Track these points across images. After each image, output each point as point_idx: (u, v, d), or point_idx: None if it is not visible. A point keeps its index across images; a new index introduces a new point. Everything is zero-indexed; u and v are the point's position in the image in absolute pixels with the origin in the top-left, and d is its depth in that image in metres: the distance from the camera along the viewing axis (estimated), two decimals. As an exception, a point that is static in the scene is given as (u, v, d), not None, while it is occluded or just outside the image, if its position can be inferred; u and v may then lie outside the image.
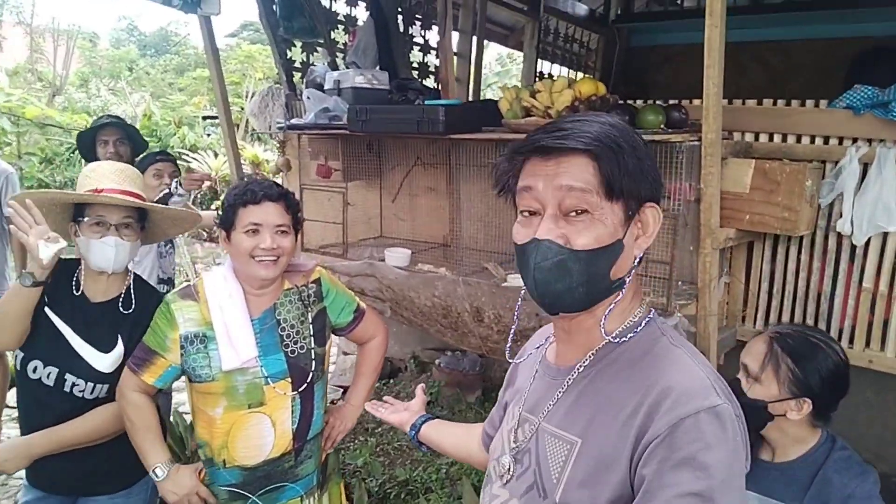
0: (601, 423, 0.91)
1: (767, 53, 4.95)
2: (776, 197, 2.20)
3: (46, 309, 1.87)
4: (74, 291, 1.91)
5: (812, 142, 2.43)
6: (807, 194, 2.21)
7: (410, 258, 2.95)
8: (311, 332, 1.88)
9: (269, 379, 1.79)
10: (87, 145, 3.41)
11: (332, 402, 2.87)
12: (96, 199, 1.81)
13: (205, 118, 13.08)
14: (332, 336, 2.01)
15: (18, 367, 1.88)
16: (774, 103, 2.48)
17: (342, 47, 4.36)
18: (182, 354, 1.78)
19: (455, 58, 5.32)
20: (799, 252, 2.51)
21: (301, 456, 1.86)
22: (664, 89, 5.17)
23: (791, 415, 1.55)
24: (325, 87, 3.27)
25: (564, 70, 6.76)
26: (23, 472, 1.94)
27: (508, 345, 1.16)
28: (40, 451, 1.83)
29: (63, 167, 9.81)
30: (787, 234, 2.38)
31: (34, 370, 1.85)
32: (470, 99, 5.16)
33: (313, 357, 1.87)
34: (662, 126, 2.19)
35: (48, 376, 1.85)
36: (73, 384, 1.85)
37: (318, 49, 4.33)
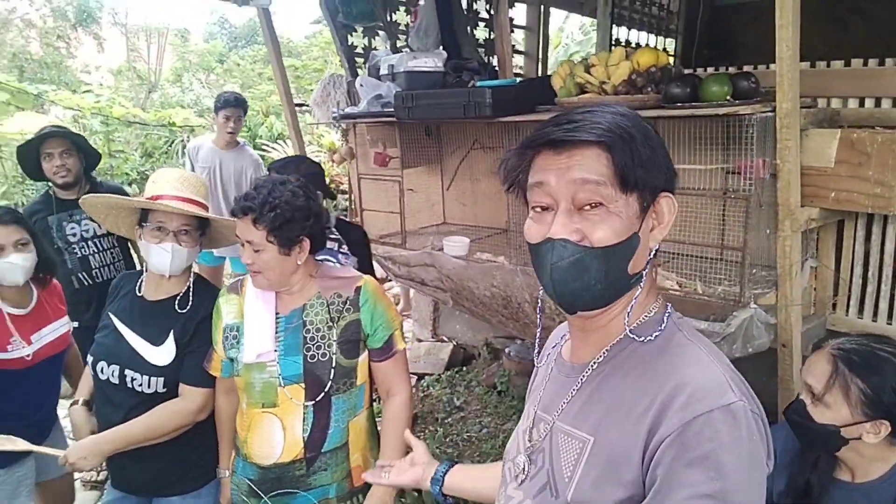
0: (613, 421, 0.88)
1: (868, 4, 4.44)
2: (866, 171, 1.94)
3: (110, 313, 1.98)
4: (136, 293, 2.00)
5: (911, 105, 2.13)
6: (903, 166, 1.93)
7: (470, 246, 2.86)
8: (337, 341, 1.80)
9: (283, 380, 1.77)
10: (31, 160, 3.09)
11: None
12: (154, 206, 1.89)
13: (297, 105, 13.35)
14: (402, 326, 1.95)
15: (91, 372, 1.99)
16: (865, 63, 2.19)
17: (404, 29, 4.27)
18: (224, 347, 1.83)
19: (523, 31, 5.13)
20: (898, 231, 2.22)
21: (314, 466, 1.80)
22: (753, 51, 4.77)
23: (868, 438, 1.37)
24: (381, 72, 3.20)
25: (643, 36, 6.39)
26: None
27: (536, 350, 1.15)
28: (110, 448, 1.89)
29: (161, 160, 10.39)
30: (881, 213, 2.10)
31: (101, 370, 1.94)
32: (541, 74, 4.97)
33: (333, 367, 1.78)
34: (729, 97, 1.97)
35: (113, 374, 1.92)
36: (133, 379, 1.92)
37: (380, 33, 4.26)
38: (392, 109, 2.85)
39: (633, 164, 0.85)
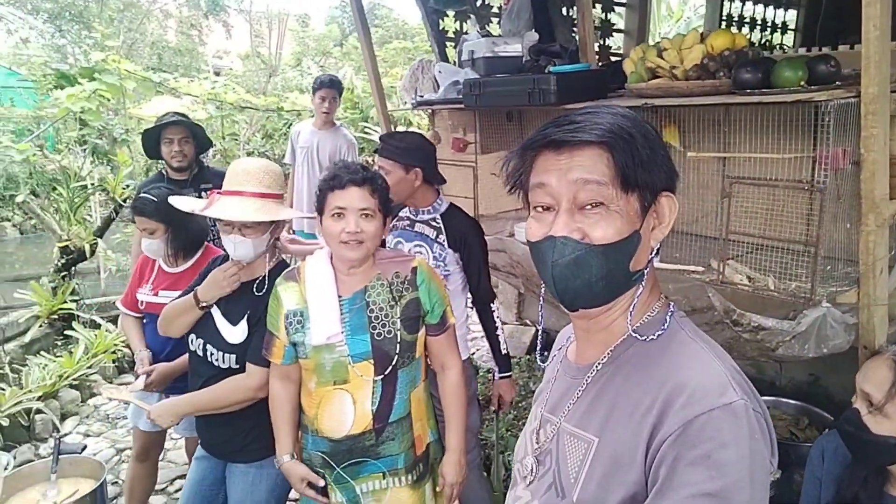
0: (617, 422, 0.89)
1: None
2: (961, 161, 1.76)
3: None
4: None
5: None
6: None
7: (542, 232, 2.84)
8: (400, 318, 1.90)
9: (352, 358, 1.86)
10: (152, 144, 3.44)
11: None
12: (206, 213, 2.04)
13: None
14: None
15: (186, 340, 2.22)
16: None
17: (497, 12, 4.25)
18: (287, 333, 1.92)
19: (622, 8, 4.95)
20: None
21: (382, 436, 1.91)
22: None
23: None
24: (462, 58, 3.23)
25: (759, 9, 5.97)
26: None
27: (538, 348, 1.23)
28: (182, 411, 2.13)
29: (281, 141, 10.97)
30: (981, 207, 1.89)
31: (192, 341, 2.17)
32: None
33: (399, 342, 1.89)
34: (803, 83, 1.84)
35: (199, 347, 2.14)
36: (211, 353, 2.12)
37: (471, 17, 4.26)
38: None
39: (634, 163, 0.86)
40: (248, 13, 17.31)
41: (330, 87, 4.73)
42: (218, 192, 2.07)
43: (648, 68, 2.22)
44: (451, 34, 4.18)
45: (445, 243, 2.48)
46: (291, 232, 5.28)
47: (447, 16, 4.24)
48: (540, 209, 0.92)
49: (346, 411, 1.89)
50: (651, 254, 0.92)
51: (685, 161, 2.15)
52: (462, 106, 3.03)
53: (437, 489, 2.04)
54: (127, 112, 7.16)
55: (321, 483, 1.95)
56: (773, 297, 2.04)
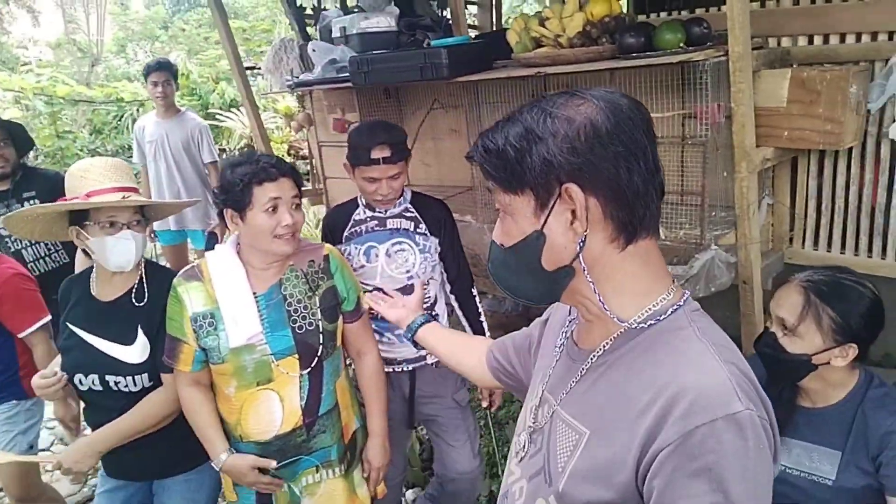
0: (611, 418, 0.87)
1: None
2: (816, 108, 1.99)
3: (67, 323, 1.93)
4: (88, 298, 1.94)
5: (858, 40, 2.18)
6: (852, 102, 1.99)
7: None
8: (320, 308, 1.85)
9: (275, 356, 1.79)
10: None
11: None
12: (112, 204, 1.81)
13: (248, 68, 12.93)
14: None
15: (69, 384, 1.95)
16: (813, 1, 2.22)
17: (354, -14, 4.15)
18: (196, 337, 1.80)
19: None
20: (848, 165, 2.29)
21: (313, 430, 1.86)
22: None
23: (836, 362, 1.46)
24: (333, 35, 3.13)
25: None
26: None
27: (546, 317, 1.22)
28: (105, 447, 1.90)
29: (112, 136, 10.04)
30: (832, 149, 2.17)
31: (80, 382, 1.92)
32: (495, 26, 4.89)
33: (321, 332, 1.84)
34: (682, 45, 1.99)
35: (94, 383, 1.91)
36: (116, 382, 1.90)
37: (329, -8, 4.14)
38: (348, 74, 2.81)
39: (506, 170, 0.87)
40: (58, -3, 15.65)
41: (159, 69, 4.41)
42: (87, 195, 1.81)
43: (533, 38, 2.28)
44: (308, 11, 4.03)
45: (427, 231, 2.26)
46: (152, 236, 4.90)
47: (303, -9, 4.09)
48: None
49: (273, 411, 1.81)
50: (578, 249, 0.86)
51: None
52: (341, 85, 2.96)
53: (364, 475, 2.03)
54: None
55: (273, 464, 1.83)
56: (665, 246, 2.21)
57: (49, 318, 2.36)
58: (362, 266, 2.23)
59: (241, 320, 1.76)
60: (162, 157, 4.53)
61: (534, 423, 1.02)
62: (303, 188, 1.85)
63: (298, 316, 1.83)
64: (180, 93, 10.89)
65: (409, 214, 2.26)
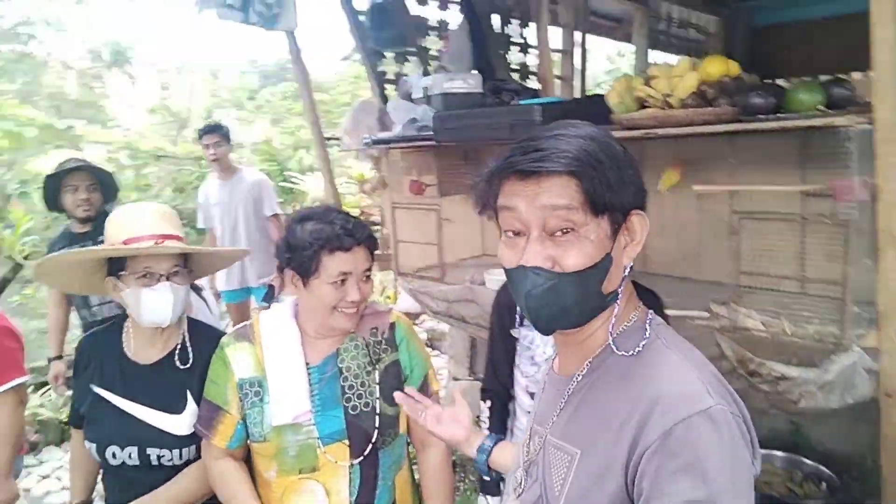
0: (598, 434, 0.89)
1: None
2: None
3: (97, 389, 1.70)
4: (121, 358, 1.73)
5: None
6: None
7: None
8: (379, 386, 1.59)
9: (321, 441, 1.53)
10: (53, 193, 3.02)
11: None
12: (152, 251, 1.61)
13: (326, 139, 13.38)
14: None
15: (97, 457, 1.72)
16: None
17: (436, 54, 4.11)
18: (241, 406, 1.56)
19: (558, 55, 4.93)
20: None
21: None
22: (798, 70, 4.46)
23: None
24: (413, 95, 3.00)
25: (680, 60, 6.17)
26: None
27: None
28: None
29: (193, 195, 10.36)
30: None
31: (113, 455, 1.68)
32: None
33: (378, 415, 1.57)
34: (820, 107, 1.71)
35: (130, 456, 1.67)
36: (159, 456, 1.67)
37: (410, 59, 4.10)
38: (428, 133, 2.64)
39: (602, 188, 0.85)
40: (157, 66, 16.71)
41: (210, 132, 4.52)
42: (129, 239, 1.61)
43: (637, 98, 2.05)
44: (390, 76, 3.99)
45: None
46: (218, 299, 4.83)
47: (385, 57, 4.07)
48: (511, 234, 0.91)
49: None
50: (624, 272, 0.92)
51: (687, 199, 1.98)
52: (419, 144, 2.79)
53: None
54: (23, 165, 6.52)
55: None
56: (791, 343, 1.87)
57: (25, 379, 2.03)
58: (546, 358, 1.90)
59: (288, 394, 1.52)
60: (228, 218, 4.56)
61: (527, 455, 1.03)
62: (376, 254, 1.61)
63: (353, 394, 1.56)
64: (260, 157, 11.28)
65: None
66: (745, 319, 1.88)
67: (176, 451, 1.66)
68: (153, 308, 1.62)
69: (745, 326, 1.87)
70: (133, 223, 1.64)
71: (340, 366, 1.58)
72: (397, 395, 1.39)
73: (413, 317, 5.16)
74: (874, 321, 1.85)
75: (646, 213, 0.91)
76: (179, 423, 1.67)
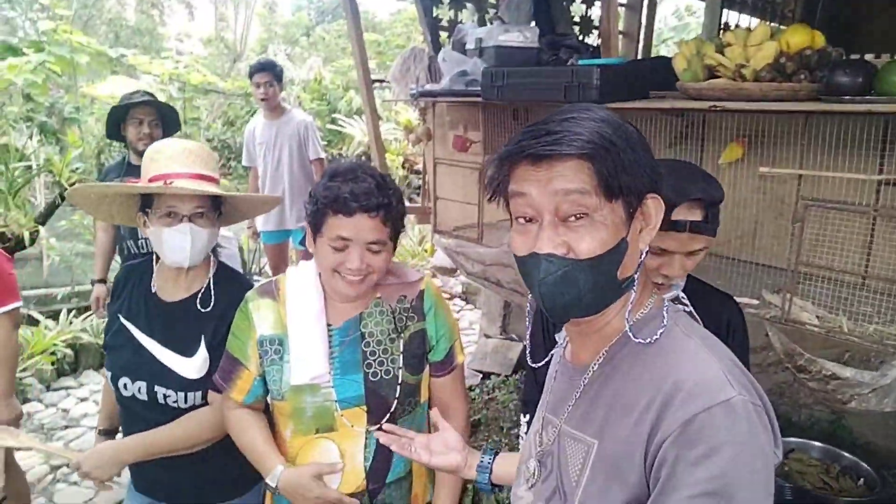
0: (615, 423, 0.88)
1: None
2: None
3: (123, 319, 1.71)
4: (148, 292, 1.73)
5: None
6: None
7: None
8: (402, 355, 1.54)
9: (340, 404, 1.50)
10: (116, 123, 3.11)
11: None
12: (163, 190, 1.59)
13: (373, 81, 13.23)
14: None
15: (111, 385, 1.75)
16: None
17: (493, 2, 3.92)
18: (260, 363, 1.54)
19: (622, 9, 4.67)
20: None
21: (377, 500, 1.55)
22: (881, 43, 4.15)
23: None
24: (467, 46, 2.87)
25: (755, 22, 5.81)
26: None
27: (528, 349, 1.18)
28: (130, 458, 1.68)
29: (242, 129, 10.44)
30: None
31: (125, 387, 1.70)
32: (638, 57, 4.50)
33: (399, 384, 1.53)
34: (916, 90, 1.54)
35: (140, 391, 1.69)
36: (165, 395, 1.68)
37: (468, 5, 3.92)
38: (478, 88, 2.52)
39: (617, 172, 0.83)
40: (214, -5, 16.65)
41: (262, 70, 4.37)
42: (161, 176, 1.60)
43: (706, 66, 1.90)
44: (444, 23, 3.83)
45: None
46: (256, 235, 4.87)
47: (442, 3, 3.90)
48: (522, 220, 0.89)
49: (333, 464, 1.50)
50: (641, 257, 0.90)
51: (747, 176, 1.84)
52: (466, 100, 2.68)
53: None
54: (78, 90, 6.59)
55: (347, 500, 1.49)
56: (846, 341, 1.75)
57: (19, 305, 2.11)
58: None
59: (308, 355, 1.48)
60: (271, 158, 4.51)
61: (540, 447, 1.02)
62: (404, 216, 1.51)
63: (375, 360, 1.52)
64: (311, 96, 11.21)
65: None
66: (800, 312, 1.76)
67: (182, 394, 1.66)
68: (172, 247, 1.61)
69: (798, 319, 1.75)
70: (165, 160, 1.62)
71: (363, 330, 1.53)
72: (379, 434, 1.34)
73: (449, 272, 5.12)
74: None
75: (661, 197, 0.89)
76: (188, 367, 1.66)
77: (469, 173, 2.81)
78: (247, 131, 4.76)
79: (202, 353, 1.67)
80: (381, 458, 1.54)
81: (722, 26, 5.47)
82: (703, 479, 0.76)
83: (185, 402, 1.67)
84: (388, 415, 1.52)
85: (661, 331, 0.89)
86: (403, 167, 7.80)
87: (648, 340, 0.89)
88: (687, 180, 1.33)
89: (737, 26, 5.62)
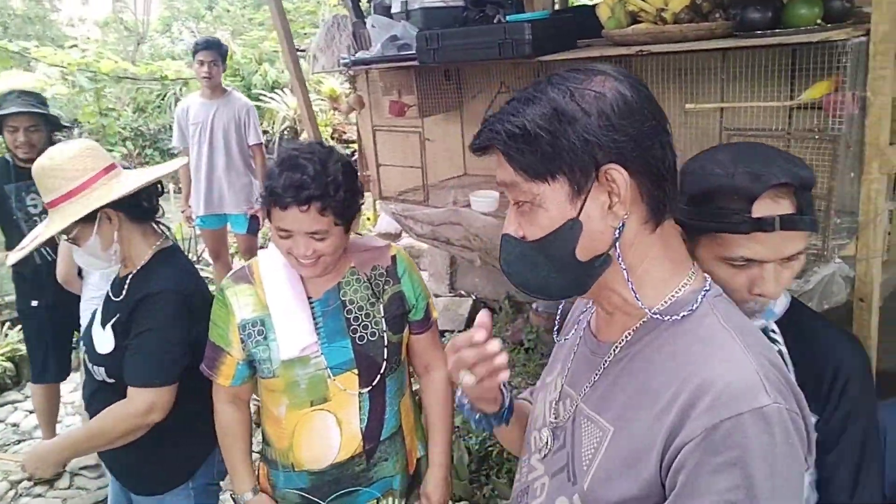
0: (634, 413, 0.84)
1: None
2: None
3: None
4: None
5: None
6: None
7: (499, 201, 2.61)
8: (384, 317, 1.62)
9: (332, 370, 1.57)
10: None
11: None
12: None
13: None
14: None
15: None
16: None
17: (411, -37, 3.90)
18: (243, 346, 1.59)
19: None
20: None
21: (374, 458, 1.64)
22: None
23: None
24: (392, 10, 2.88)
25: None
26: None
27: (556, 327, 1.11)
28: (59, 459, 1.75)
29: (155, 115, 9.97)
30: None
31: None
32: (557, 8, 4.59)
33: (385, 345, 1.61)
34: (819, 21, 1.69)
35: (83, 351, 1.85)
36: (86, 361, 1.81)
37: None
38: (411, 52, 2.56)
39: (536, 157, 0.82)
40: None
41: (207, 48, 4.28)
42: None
43: (629, 12, 2.00)
44: (364, -13, 3.79)
45: None
46: (190, 220, 4.76)
47: (358, -33, 3.85)
48: (512, 202, 0.91)
49: (330, 435, 1.58)
50: (615, 234, 0.83)
51: (674, 114, 1.97)
52: (401, 64, 2.71)
53: None
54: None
55: None
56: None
57: None
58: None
59: (293, 329, 1.54)
60: (206, 140, 4.40)
61: (556, 418, 0.99)
62: (354, 197, 1.53)
63: (359, 325, 1.60)
64: (224, 73, 10.83)
65: None
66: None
67: (92, 365, 1.75)
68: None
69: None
70: (43, 183, 1.69)
71: (343, 299, 1.60)
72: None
73: (392, 237, 5.17)
74: (854, 231, 1.91)
75: (625, 167, 0.81)
76: (101, 340, 1.74)
77: (408, 137, 2.86)
78: (178, 110, 4.60)
79: (109, 330, 1.73)
80: (374, 419, 1.62)
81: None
82: (723, 488, 0.73)
83: (97, 374, 1.75)
84: (378, 375, 1.59)
85: (683, 313, 0.84)
86: (333, 138, 7.71)
87: (671, 317, 0.85)
88: (760, 163, 1.06)
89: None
